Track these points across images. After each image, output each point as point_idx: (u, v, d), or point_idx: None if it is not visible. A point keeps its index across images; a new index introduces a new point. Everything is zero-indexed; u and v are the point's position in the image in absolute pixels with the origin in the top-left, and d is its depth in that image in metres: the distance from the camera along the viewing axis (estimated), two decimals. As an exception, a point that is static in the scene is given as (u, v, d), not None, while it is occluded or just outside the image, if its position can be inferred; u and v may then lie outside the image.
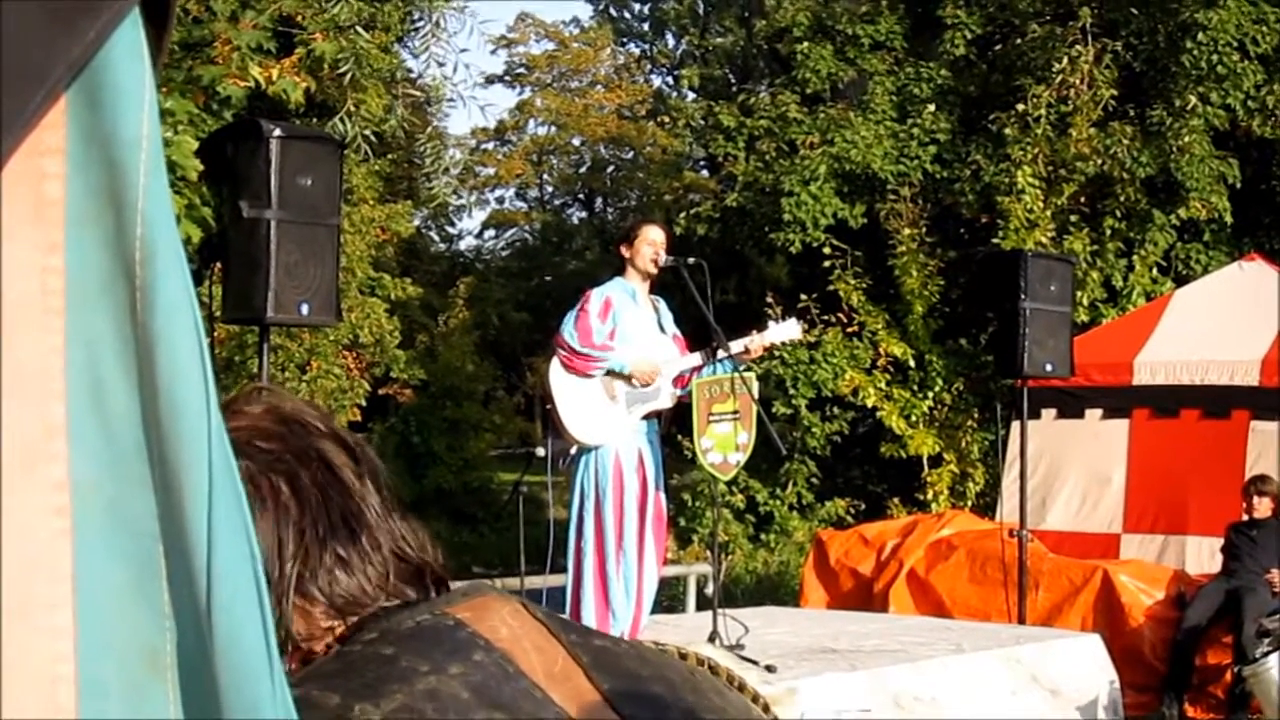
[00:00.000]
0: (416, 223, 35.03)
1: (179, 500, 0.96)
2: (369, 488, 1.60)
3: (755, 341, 8.87)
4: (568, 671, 1.55)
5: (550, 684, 1.53)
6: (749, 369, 8.90)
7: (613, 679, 1.57)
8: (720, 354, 8.57)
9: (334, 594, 1.55)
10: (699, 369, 8.71)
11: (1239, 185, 18.98)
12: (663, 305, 8.87)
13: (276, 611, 1.51)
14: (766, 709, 1.83)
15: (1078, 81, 19.37)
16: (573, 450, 8.59)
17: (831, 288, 20.58)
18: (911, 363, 20.24)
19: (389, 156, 26.04)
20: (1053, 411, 14.28)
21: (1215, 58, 18.76)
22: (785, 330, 9.14)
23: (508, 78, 49.66)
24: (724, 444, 8.57)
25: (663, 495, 8.87)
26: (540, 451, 9.68)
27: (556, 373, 8.51)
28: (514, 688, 1.50)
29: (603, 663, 1.58)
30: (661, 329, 8.80)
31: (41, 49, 0.90)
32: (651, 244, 8.62)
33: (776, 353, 19.81)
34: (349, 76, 10.05)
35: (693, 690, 1.65)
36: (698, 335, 8.97)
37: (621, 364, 8.52)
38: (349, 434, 1.64)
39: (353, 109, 9.97)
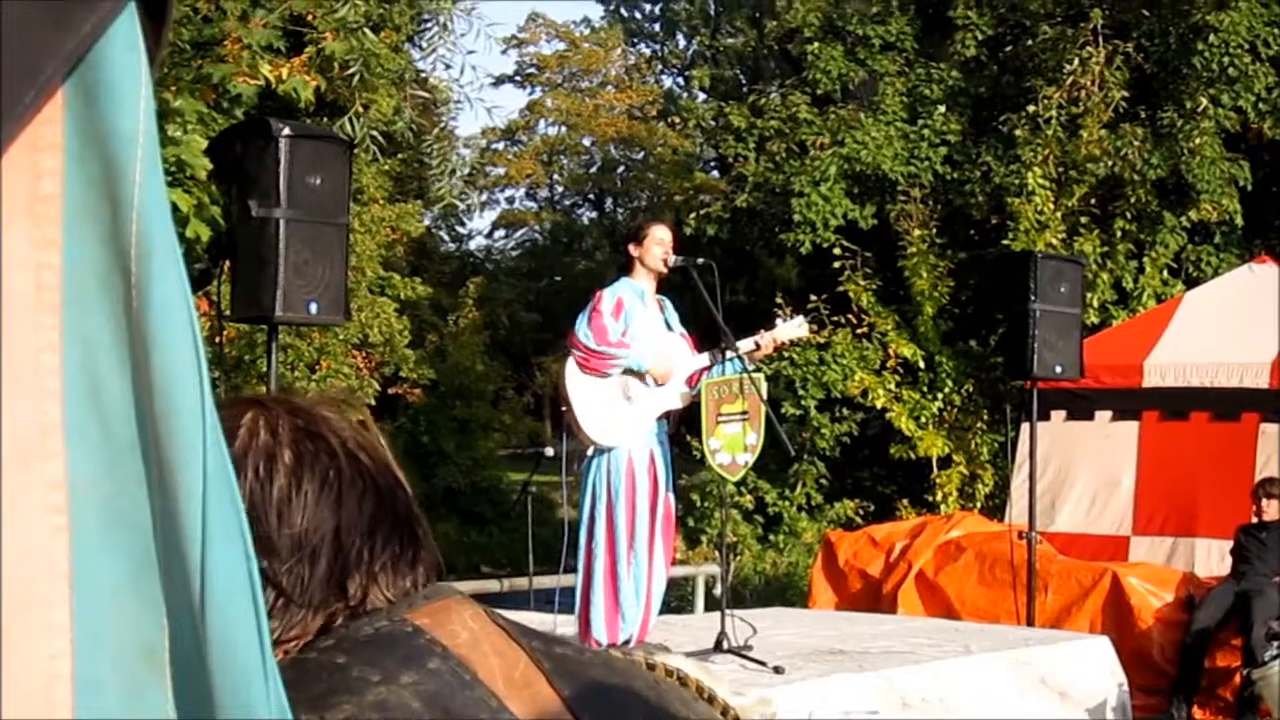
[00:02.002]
0: (426, 223, 35.10)
1: (174, 499, 0.96)
2: (422, 520, 1.63)
3: (765, 339, 8.87)
4: (529, 678, 1.54)
5: (509, 690, 1.51)
6: (758, 369, 8.88)
7: (574, 685, 1.56)
8: (729, 353, 8.55)
9: (378, 585, 1.56)
10: (708, 369, 8.70)
11: (1250, 187, 18.98)
12: (669, 305, 8.86)
13: (312, 587, 1.53)
14: None
15: (1088, 83, 19.37)
16: (589, 451, 8.57)
17: (841, 289, 20.60)
18: (921, 364, 20.25)
19: (399, 156, 26.07)
20: (1062, 413, 14.26)
21: (1226, 60, 18.76)
22: (793, 328, 9.14)
23: (518, 78, 49.78)
24: (732, 445, 8.56)
25: (672, 496, 8.86)
26: (550, 452, 9.69)
27: (572, 373, 8.49)
28: (468, 696, 1.49)
29: (564, 669, 1.57)
30: (669, 328, 8.79)
31: (36, 43, 0.90)
32: (660, 243, 8.61)
33: (786, 353, 19.82)
34: (358, 76, 10.06)
35: (657, 700, 1.65)
36: (707, 336, 8.96)
37: (639, 362, 8.51)
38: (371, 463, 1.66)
39: (361, 109, 9.98)
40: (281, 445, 1.54)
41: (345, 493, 1.55)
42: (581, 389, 8.47)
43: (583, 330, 8.47)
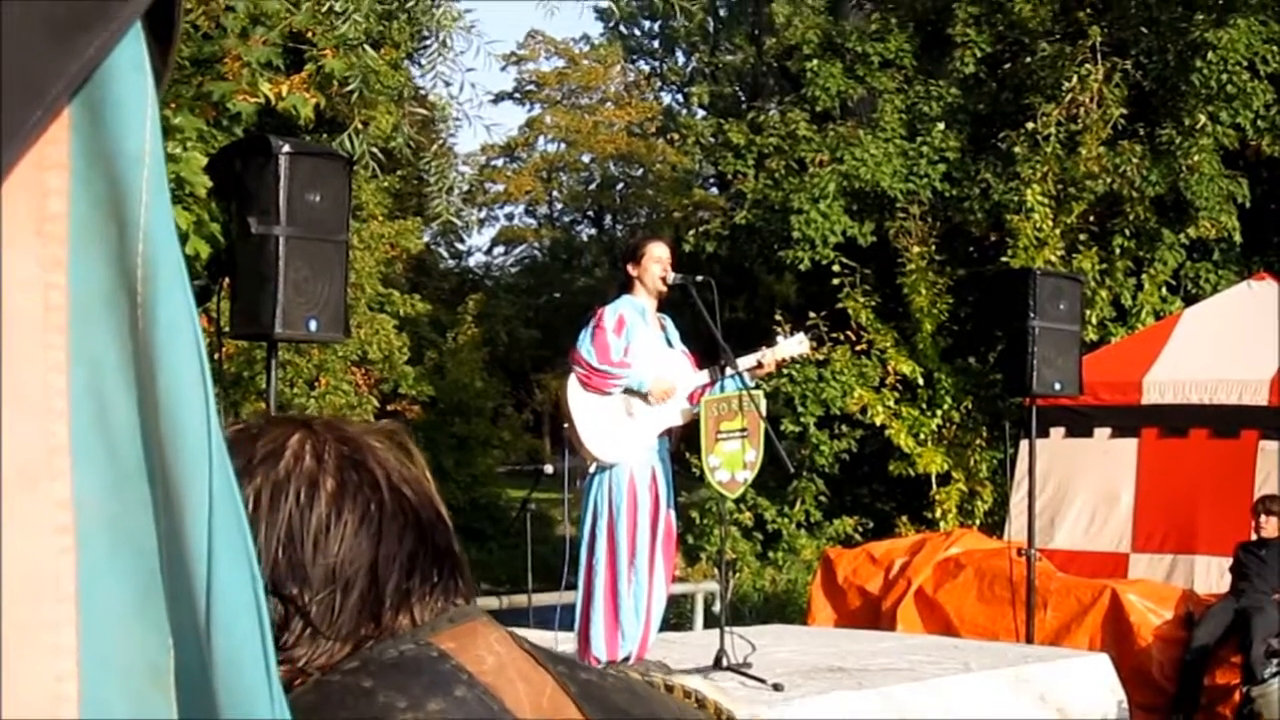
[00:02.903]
0: (425, 239, 35.09)
1: (179, 520, 0.96)
2: (460, 549, 1.62)
3: (767, 356, 8.87)
4: (556, 703, 1.53)
5: (537, 716, 1.50)
6: (758, 386, 8.88)
7: (601, 711, 1.55)
8: (729, 371, 8.55)
9: (414, 617, 1.55)
10: (709, 386, 8.70)
11: (1248, 204, 18.99)
12: (669, 322, 8.86)
13: (344, 617, 1.53)
14: None
15: (1087, 100, 19.39)
16: (591, 468, 8.57)
17: (840, 305, 20.60)
18: (920, 381, 20.25)
19: (398, 173, 26.10)
20: (1061, 430, 14.26)
21: (1225, 77, 18.77)
22: (794, 345, 9.13)
23: (517, 94, 49.79)
24: (731, 462, 8.56)
25: (673, 513, 8.86)
26: (549, 469, 9.69)
27: (575, 391, 8.49)
28: None
29: (590, 694, 1.56)
30: (669, 345, 8.79)
31: (41, 63, 0.90)
32: (659, 261, 8.60)
33: (785, 370, 19.81)
34: (357, 93, 10.06)
35: None
36: (707, 353, 8.96)
37: (640, 381, 8.50)
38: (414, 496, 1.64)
39: (361, 126, 9.98)
40: (326, 472, 1.53)
41: (386, 526, 1.54)
42: (583, 406, 8.46)
43: (585, 348, 8.47)
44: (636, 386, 8.51)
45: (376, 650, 1.50)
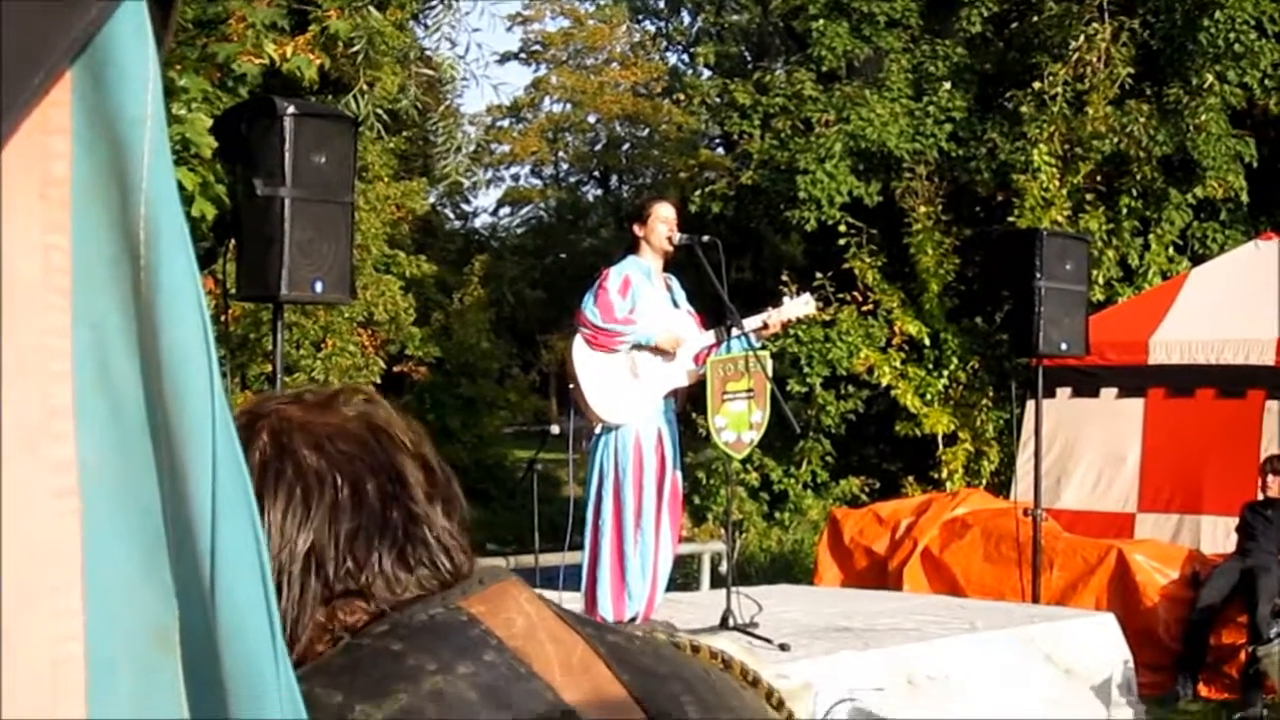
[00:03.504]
0: (431, 200, 35.06)
1: (183, 482, 0.96)
2: (436, 510, 1.59)
3: (773, 317, 8.86)
4: (586, 662, 1.53)
5: (566, 677, 1.50)
6: (764, 346, 8.87)
7: (631, 672, 1.55)
8: (735, 331, 8.55)
9: (375, 596, 1.53)
10: (715, 347, 8.71)
11: (1256, 164, 18.94)
12: (675, 282, 8.86)
13: (295, 608, 1.51)
14: (780, 704, 1.82)
15: (1094, 60, 19.33)
16: (597, 429, 8.57)
17: (847, 266, 20.57)
18: (926, 341, 20.24)
19: (404, 134, 26.05)
20: (1068, 390, 14.27)
21: (1232, 36, 18.70)
22: (800, 305, 9.13)
23: (523, 55, 49.66)
24: (738, 422, 8.56)
25: (679, 474, 8.87)
26: (555, 429, 9.68)
27: (580, 351, 8.49)
28: (525, 688, 1.47)
29: (619, 656, 1.56)
30: (675, 305, 8.79)
31: (43, 26, 0.90)
32: (665, 221, 8.60)
33: (791, 330, 19.80)
34: (362, 54, 10.05)
35: (710, 690, 1.64)
36: (713, 313, 8.96)
37: (648, 335, 8.50)
38: (438, 461, 1.62)
39: (366, 87, 9.98)
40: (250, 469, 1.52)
41: (314, 511, 1.52)
42: (589, 366, 8.47)
43: (590, 308, 8.47)
44: (645, 340, 8.51)
45: (406, 614, 1.50)
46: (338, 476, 1.53)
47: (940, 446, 19.77)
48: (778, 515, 21.37)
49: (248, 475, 1.00)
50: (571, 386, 8.60)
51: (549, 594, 1.58)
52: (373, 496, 1.54)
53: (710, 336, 8.75)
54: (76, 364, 0.94)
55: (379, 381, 23.49)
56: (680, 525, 9.50)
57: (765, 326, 8.82)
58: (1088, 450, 14.22)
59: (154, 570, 0.98)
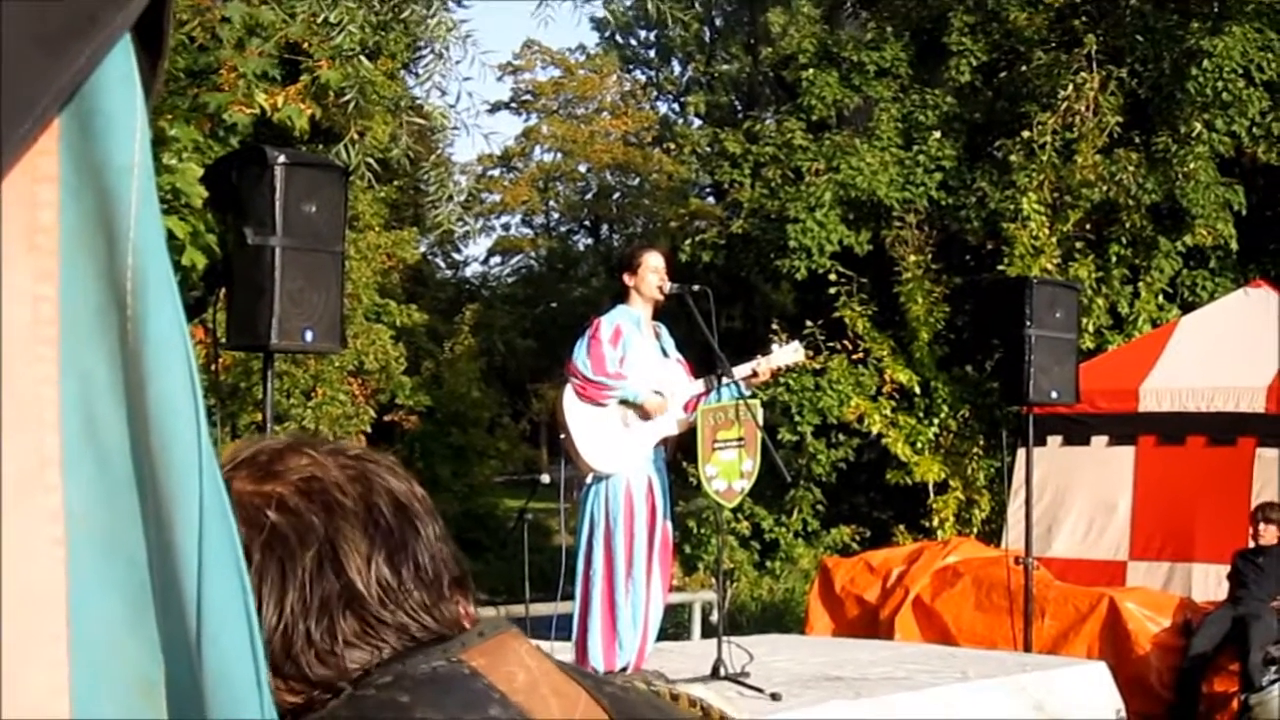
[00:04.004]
0: (422, 249, 35.09)
1: (170, 532, 0.95)
2: (382, 571, 1.54)
3: (762, 365, 8.85)
4: (590, 716, 1.52)
5: None
6: (754, 395, 8.86)
7: None
8: (725, 379, 8.54)
9: (306, 672, 1.49)
10: (704, 395, 8.70)
11: (1244, 212, 18.99)
12: (664, 331, 8.84)
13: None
14: None
15: (1083, 108, 19.41)
16: (588, 479, 8.55)
17: (837, 314, 20.60)
18: (917, 389, 20.25)
19: (395, 183, 26.10)
20: (1058, 438, 14.27)
21: (1220, 84, 18.79)
22: (789, 353, 9.11)
23: (514, 104, 49.77)
24: (728, 471, 8.55)
25: (669, 523, 8.85)
26: (546, 478, 9.66)
27: (571, 402, 8.47)
28: None
29: (621, 708, 1.56)
30: (664, 354, 8.78)
31: (31, 74, 0.90)
32: (655, 271, 8.59)
33: (782, 379, 19.83)
34: (353, 104, 10.07)
35: None
36: (703, 362, 8.96)
37: (635, 394, 8.49)
38: (390, 514, 1.56)
39: (357, 136, 9.99)
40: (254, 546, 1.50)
41: (289, 576, 1.49)
42: (580, 417, 8.45)
43: (580, 359, 8.45)
44: (632, 398, 8.50)
45: (409, 665, 1.48)
46: (266, 553, 1.49)
47: (931, 495, 19.76)
48: (769, 564, 21.35)
49: (234, 525, 0.99)
50: (563, 436, 8.58)
51: (540, 644, 1.56)
52: (301, 569, 1.50)
53: (700, 385, 8.74)
54: (64, 414, 0.94)
55: (369, 430, 23.46)
56: (670, 574, 9.47)
57: (755, 374, 8.81)
58: (1079, 498, 14.21)
59: (140, 621, 0.97)
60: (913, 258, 20.38)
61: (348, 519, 1.53)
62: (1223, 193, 18.80)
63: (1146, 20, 20.30)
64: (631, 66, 50.75)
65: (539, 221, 51.47)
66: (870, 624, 13.03)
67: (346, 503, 1.53)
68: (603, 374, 8.42)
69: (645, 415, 8.57)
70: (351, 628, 1.50)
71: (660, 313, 8.86)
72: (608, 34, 49.59)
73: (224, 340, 8.21)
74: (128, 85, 0.94)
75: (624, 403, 8.52)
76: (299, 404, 22.09)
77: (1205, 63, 18.81)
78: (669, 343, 8.83)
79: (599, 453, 8.46)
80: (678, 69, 49.23)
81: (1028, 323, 11.42)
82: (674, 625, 14.77)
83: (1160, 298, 19.27)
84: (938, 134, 21.14)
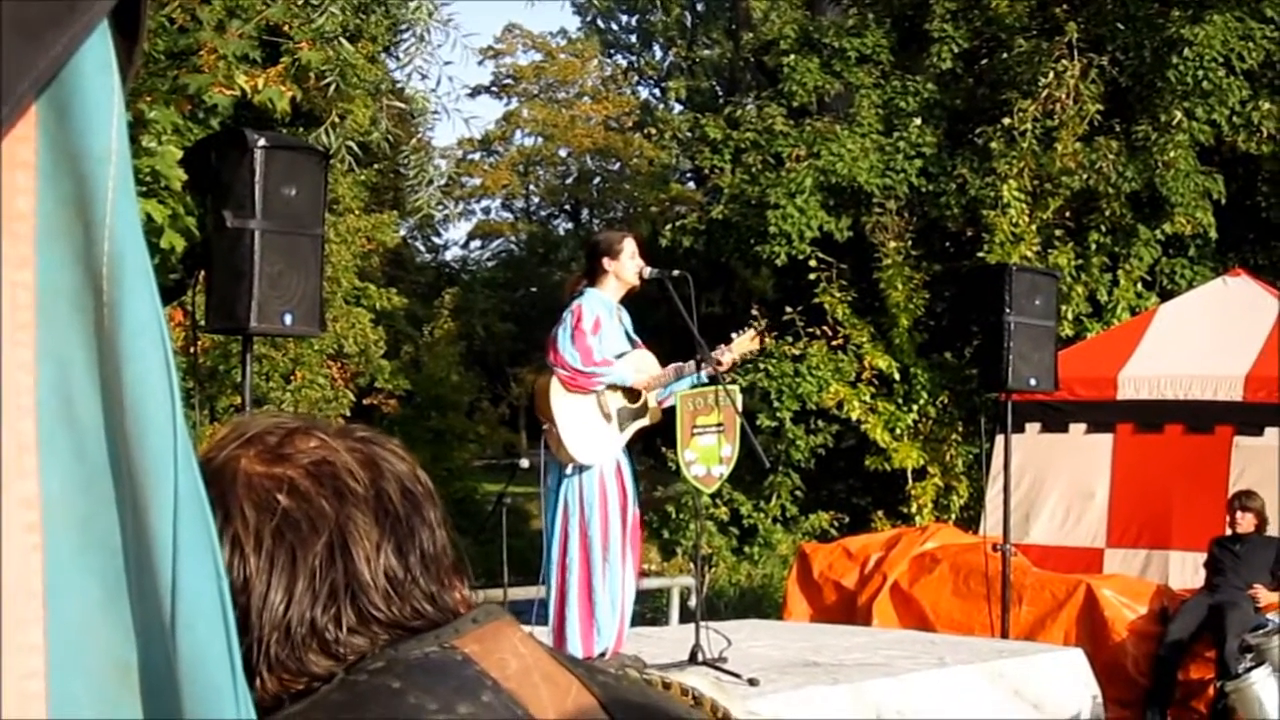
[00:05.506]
0: (402, 233, 35.05)
1: (145, 518, 0.95)
2: (390, 561, 1.54)
3: (724, 356, 8.84)
4: (581, 704, 1.52)
5: (561, 718, 1.50)
6: (733, 381, 8.86)
7: (625, 713, 1.55)
8: (705, 369, 8.52)
9: (306, 659, 1.49)
10: (680, 377, 8.69)
11: (1224, 200, 19.03)
12: (625, 315, 8.79)
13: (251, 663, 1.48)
14: None
15: (1063, 96, 19.42)
16: (568, 469, 8.52)
17: (817, 300, 20.59)
18: (896, 376, 20.26)
19: (374, 167, 26.05)
20: (1037, 426, 14.29)
21: (1201, 73, 18.81)
22: (745, 342, 9.05)
23: (494, 88, 49.72)
24: (707, 457, 8.56)
25: (638, 508, 8.85)
26: (525, 463, 9.65)
27: (556, 392, 8.44)
28: None
29: (612, 696, 1.56)
30: (629, 338, 8.75)
31: (8, 60, 0.89)
32: (634, 257, 8.57)
33: (760, 365, 19.86)
34: (334, 87, 10.05)
35: None
36: (681, 348, 8.95)
37: (622, 376, 8.48)
38: (398, 500, 1.58)
39: (337, 120, 9.98)
40: (249, 537, 1.49)
41: (253, 576, 1.49)
42: (566, 408, 8.42)
43: (568, 351, 8.39)
44: (620, 381, 8.49)
45: (401, 650, 1.49)
46: (276, 537, 1.50)
47: (909, 481, 19.79)
48: (747, 550, 21.35)
49: (210, 511, 0.99)
50: (546, 427, 8.54)
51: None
52: (311, 554, 1.51)
53: (671, 372, 8.71)
54: (40, 400, 0.94)
55: (348, 414, 23.43)
56: (640, 558, 9.48)
57: (719, 365, 8.80)
58: (1056, 485, 14.24)
59: (116, 607, 0.97)
60: (893, 244, 20.38)
61: (359, 506, 1.53)
62: (1202, 181, 18.84)
63: (1127, 8, 20.31)
64: (613, 51, 50.69)
65: (519, 206, 51.45)
66: (848, 610, 13.04)
67: (357, 489, 1.54)
68: (592, 364, 8.40)
69: (635, 396, 8.56)
70: (354, 616, 1.51)
71: (640, 298, 8.85)
72: (589, 18, 49.53)
73: (203, 323, 8.20)
74: (105, 72, 0.94)
75: (612, 387, 8.50)
76: (278, 387, 22.06)
77: (1186, 51, 18.84)
78: (629, 326, 8.79)
79: (582, 444, 8.45)
80: (659, 54, 49.16)
81: (1007, 310, 11.44)
82: (651, 610, 14.79)
83: (1139, 286, 19.30)
84: (918, 121, 21.14)
